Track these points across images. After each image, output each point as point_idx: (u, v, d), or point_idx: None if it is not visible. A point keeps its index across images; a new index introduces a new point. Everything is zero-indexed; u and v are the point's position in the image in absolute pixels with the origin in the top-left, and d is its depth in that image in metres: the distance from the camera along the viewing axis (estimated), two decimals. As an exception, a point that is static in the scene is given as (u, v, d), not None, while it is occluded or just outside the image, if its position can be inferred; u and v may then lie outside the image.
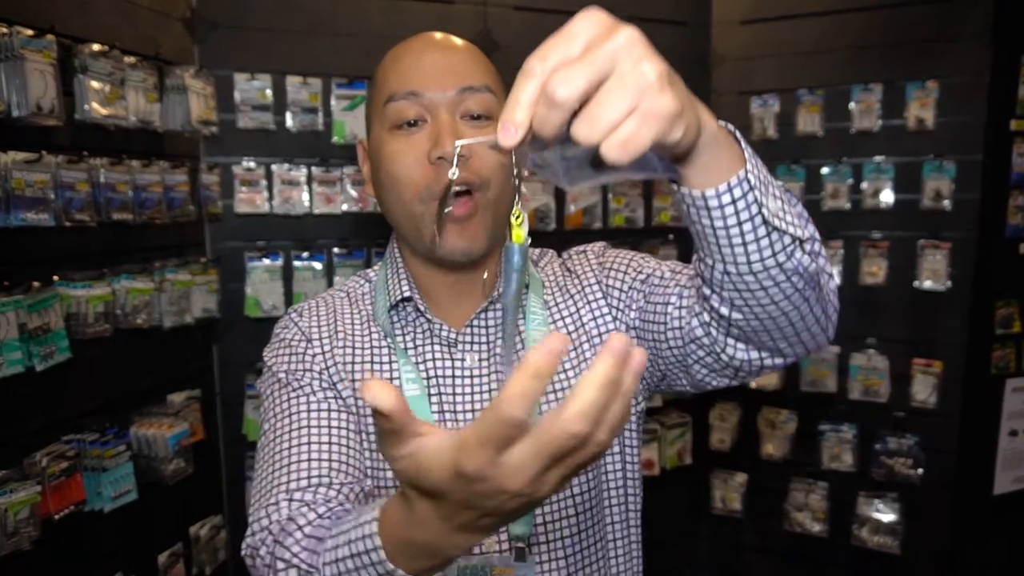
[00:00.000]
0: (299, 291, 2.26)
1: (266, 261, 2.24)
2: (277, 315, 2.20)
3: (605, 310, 0.94)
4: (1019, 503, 2.47)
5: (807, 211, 0.71)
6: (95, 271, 1.72)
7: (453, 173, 0.61)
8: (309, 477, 0.80)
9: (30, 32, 1.50)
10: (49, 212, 1.57)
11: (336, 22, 2.26)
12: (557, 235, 2.49)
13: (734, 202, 0.61)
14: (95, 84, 1.68)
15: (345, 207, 2.28)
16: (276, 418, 0.88)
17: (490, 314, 0.93)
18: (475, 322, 0.93)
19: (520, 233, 0.56)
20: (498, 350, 0.92)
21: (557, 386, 0.92)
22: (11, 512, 1.46)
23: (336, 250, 2.29)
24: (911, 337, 2.47)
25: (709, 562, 2.91)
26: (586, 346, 0.93)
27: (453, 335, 0.92)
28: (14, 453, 1.54)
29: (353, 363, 0.92)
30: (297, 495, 0.79)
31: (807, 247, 0.67)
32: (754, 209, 0.61)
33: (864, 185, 2.47)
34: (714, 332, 0.77)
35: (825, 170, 2.53)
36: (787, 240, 0.64)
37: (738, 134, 0.63)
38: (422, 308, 0.92)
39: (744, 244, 0.63)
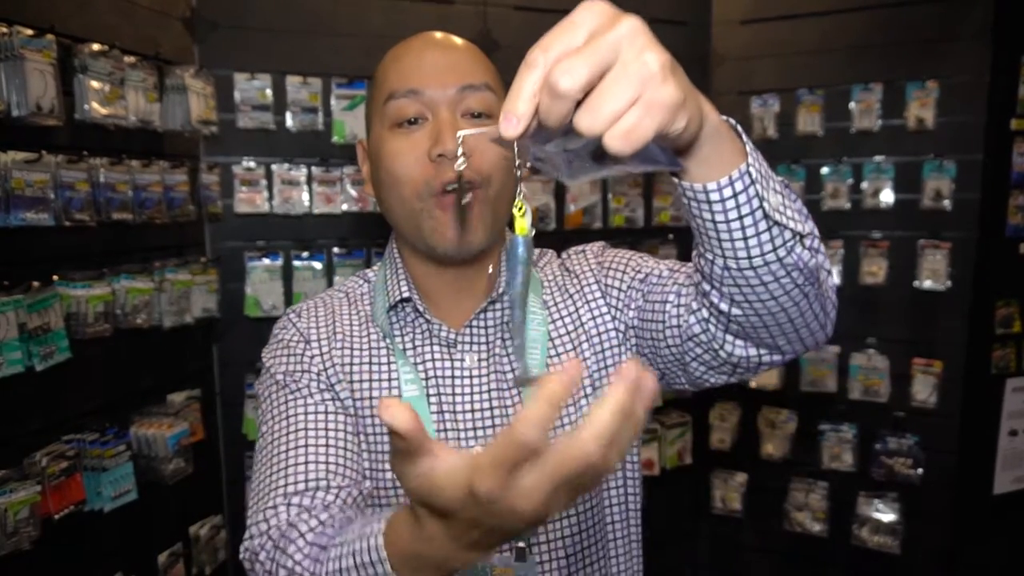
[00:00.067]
0: (299, 291, 2.26)
1: (266, 261, 2.24)
2: (277, 315, 2.20)
3: (604, 310, 0.94)
4: (1019, 503, 2.47)
5: (806, 210, 0.71)
6: (95, 271, 1.72)
7: (461, 164, 0.61)
8: (307, 480, 0.80)
9: (30, 32, 1.50)
10: (49, 212, 1.57)
11: (336, 22, 2.26)
12: (557, 235, 2.49)
13: (735, 195, 0.61)
14: (95, 84, 1.67)
15: (345, 207, 2.28)
16: (273, 420, 0.88)
17: (489, 314, 0.93)
18: (474, 322, 0.93)
19: (524, 224, 0.56)
20: (497, 350, 0.92)
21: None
22: (11, 512, 1.46)
23: (336, 250, 2.29)
24: (911, 337, 2.47)
25: (709, 562, 2.91)
26: (585, 346, 0.93)
27: (452, 335, 0.92)
28: (14, 453, 1.54)
29: (351, 364, 0.92)
30: (295, 499, 0.79)
31: (807, 242, 0.67)
32: (755, 203, 0.61)
33: (864, 185, 2.47)
34: (712, 329, 0.77)
35: (825, 170, 2.53)
36: (787, 235, 0.64)
37: (739, 128, 0.63)
38: (421, 309, 0.92)
39: (745, 238, 0.63)
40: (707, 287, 0.72)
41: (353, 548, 0.64)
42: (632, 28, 0.47)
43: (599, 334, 0.94)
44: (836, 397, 2.57)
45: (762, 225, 0.63)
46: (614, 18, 0.47)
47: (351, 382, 0.91)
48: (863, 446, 2.52)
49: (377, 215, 2.25)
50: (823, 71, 2.52)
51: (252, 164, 2.22)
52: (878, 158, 2.46)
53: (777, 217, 0.63)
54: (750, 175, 0.61)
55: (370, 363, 0.92)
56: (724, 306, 0.72)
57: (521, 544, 0.88)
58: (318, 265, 2.27)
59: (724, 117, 0.61)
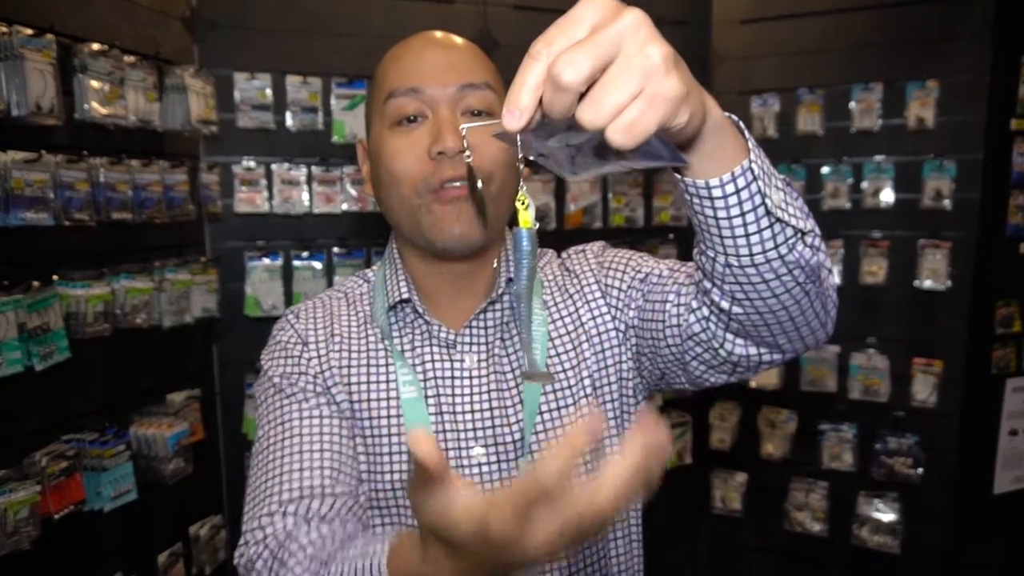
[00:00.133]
0: (299, 291, 2.26)
1: (266, 261, 2.24)
2: (277, 315, 2.20)
3: (604, 309, 0.94)
4: (1019, 503, 2.47)
5: (807, 208, 0.71)
6: (94, 271, 1.72)
7: (468, 156, 0.61)
8: (301, 488, 0.80)
9: (30, 31, 1.50)
10: (48, 211, 1.56)
11: (336, 22, 2.26)
12: (557, 234, 2.49)
13: (737, 192, 0.61)
14: (95, 83, 1.67)
15: (345, 207, 2.27)
16: (269, 425, 0.88)
17: (489, 314, 0.93)
18: (474, 322, 0.92)
19: (527, 218, 0.55)
20: (497, 350, 0.92)
21: (556, 385, 0.91)
22: (11, 512, 1.46)
23: (336, 250, 2.29)
24: (911, 337, 2.47)
25: (709, 562, 2.91)
26: (585, 346, 0.93)
27: (452, 336, 0.92)
28: (14, 453, 1.54)
29: (349, 367, 0.92)
30: (291, 507, 0.79)
31: (808, 240, 0.67)
32: (757, 200, 0.61)
33: (864, 184, 2.47)
34: (713, 327, 0.77)
35: (825, 169, 2.52)
36: (789, 232, 0.64)
37: (741, 124, 0.63)
38: (420, 310, 0.92)
39: (746, 235, 0.63)
40: (708, 285, 0.72)
41: (355, 566, 0.65)
42: (635, 21, 0.46)
43: (599, 334, 0.93)
44: (836, 397, 2.57)
45: (764, 222, 0.62)
46: (617, 11, 0.47)
47: (349, 384, 0.91)
48: (863, 446, 2.52)
49: (377, 215, 2.24)
50: (823, 71, 2.51)
51: (252, 164, 2.22)
52: (878, 158, 2.46)
53: (779, 214, 0.62)
54: (752, 171, 0.60)
55: (367, 365, 0.92)
56: (725, 304, 0.72)
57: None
58: (318, 265, 2.27)
59: (726, 113, 0.61)
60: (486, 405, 0.90)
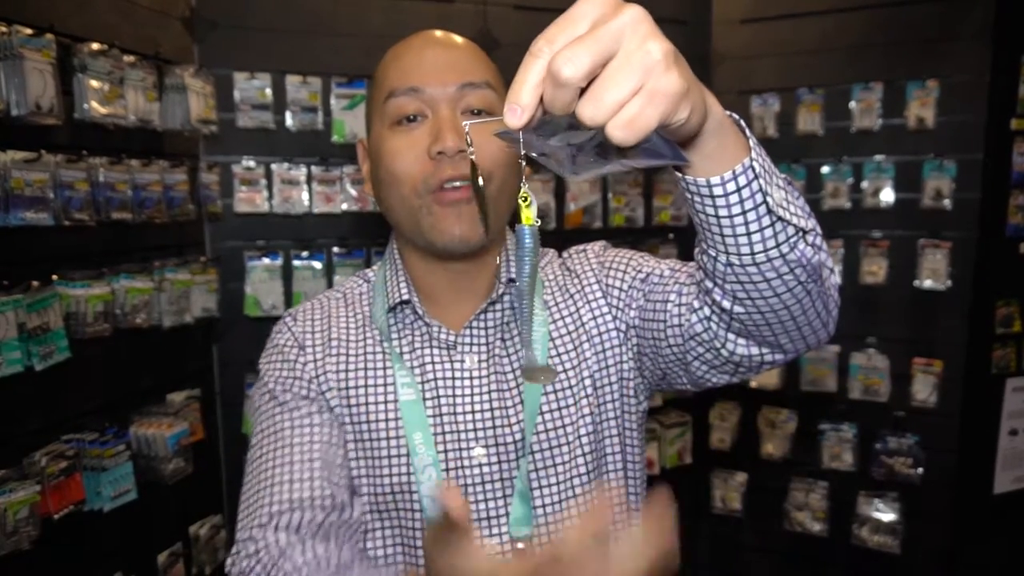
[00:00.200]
0: (299, 290, 2.26)
1: (266, 260, 2.24)
2: (277, 314, 2.20)
3: (605, 309, 0.94)
4: (1019, 503, 2.47)
5: (809, 207, 0.71)
6: (94, 270, 1.72)
7: (471, 153, 0.61)
8: (291, 499, 0.82)
9: (29, 31, 1.50)
10: (48, 211, 1.56)
11: (336, 21, 2.26)
12: (557, 234, 2.49)
13: (739, 190, 0.60)
14: (94, 83, 1.67)
15: (345, 206, 2.27)
16: (263, 433, 0.89)
17: (490, 314, 0.93)
18: (475, 323, 0.92)
19: (530, 215, 0.55)
20: (497, 351, 0.92)
21: (557, 385, 0.91)
22: (10, 512, 1.46)
23: (336, 249, 2.29)
24: (911, 336, 2.47)
25: (709, 562, 2.91)
26: (586, 346, 0.93)
27: (452, 338, 0.92)
28: (13, 453, 1.54)
29: (347, 370, 0.92)
30: (283, 519, 0.80)
31: (809, 238, 0.66)
32: (759, 198, 0.61)
33: (864, 184, 2.47)
34: (714, 327, 0.76)
35: (825, 169, 2.52)
36: (791, 230, 0.64)
37: (742, 123, 0.62)
38: (420, 312, 0.92)
39: (748, 233, 0.63)
40: (709, 284, 0.72)
41: None
42: (634, 17, 0.46)
43: (600, 334, 0.93)
44: (836, 397, 2.57)
45: (765, 220, 0.62)
46: (616, 7, 0.47)
47: (347, 388, 0.91)
48: (863, 446, 2.52)
49: (377, 215, 2.24)
50: (823, 70, 2.51)
51: (252, 163, 2.21)
52: (878, 157, 2.46)
53: (780, 212, 0.62)
54: (753, 169, 0.60)
55: (365, 368, 0.92)
56: (726, 303, 0.72)
57: (521, 546, 0.88)
58: (318, 265, 2.27)
59: (728, 112, 0.61)
60: (487, 405, 0.90)
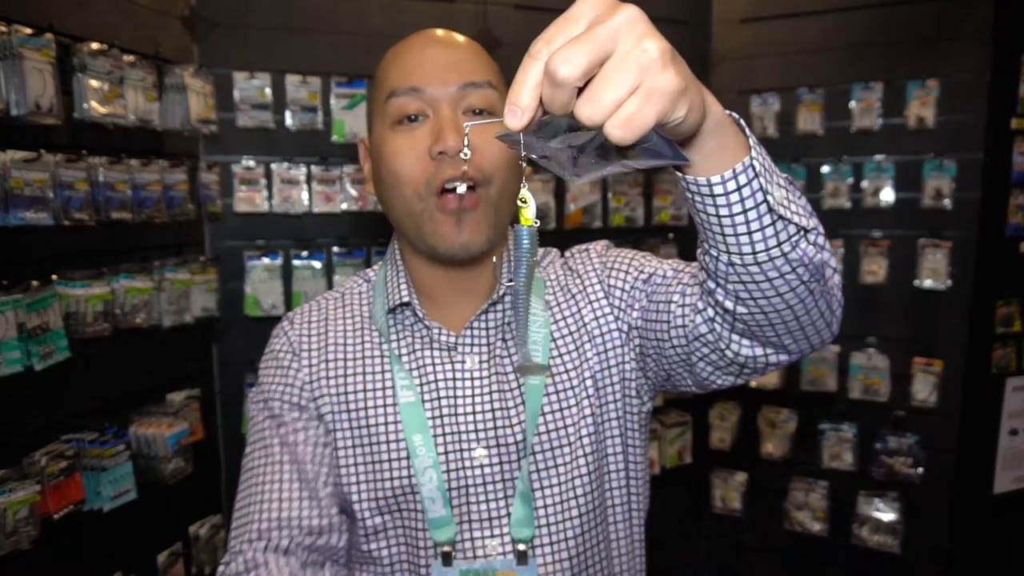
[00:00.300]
0: (298, 290, 2.26)
1: (265, 260, 2.24)
2: (277, 314, 2.20)
3: (607, 310, 0.94)
4: (1019, 502, 2.47)
5: (811, 206, 0.71)
6: (94, 270, 1.72)
7: (465, 154, 0.61)
8: (280, 519, 0.85)
9: (29, 30, 1.50)
10: (48, 211, 1.56)
11: (336, 20, 2.26)
12: (557, 234, 2.49)
13: (739, 189, 0.60)
14: (94, 83, 1.67)
15: (345, 206, 2.27)
16: (255, 445, 0.91)
17: (491, 315, 0.93)
18: (475, 324, 0.92)
19: (528, 216, 0.55)
20: (498, 351, 0.92)
21: (558, 385, 0.91)
22: (10, 511, 1.46)
23: (336, 249, 2.29)
24: (911, 336, 2.47)
25: (709, 562, 2.91)
26: (587, 346, 0.93)
27: (452, 339, 0.92)
28: (13, 452, 1.53)
29: (346, 375, 0.92)
30: (273, 536, 0.84)
31: (811, 237, 0.66)
32: (759, 197, 0.61)
33: (864, 184, 2.47)
34: (718, 328, 0.76)
35: (825, 169, 2.52)
36: (792, 229, 0.64)
37: (742, 122, 0.62)
38: (420, 315, 0.92)
39: (749, 233, 0.63)
40: (712, 285, 0.72)
41: None
42: (630, 17, 0.47)
43: (602, 334, 0.93)
44: (836, 396, 2.57)
45: (766, 219, 0.62)
46: (613, 8, 0.47)
47: (345, 392, 0.91)
48: (863, 445, 2.52)
49: (377, 214, 2.24)
50: (823, 70, 2.51)
51: (251, 163, 2.21)
52: (878, 157, 2.45)
53: (781, 211, 0.62)
54: (754, 168, 0.60)
55: (364, 372, 0.92)
56: (729, 304, 0.71)
57: (523, 547, 0.88)
58: (318, 264, 2.27)
59: (727, 111, 0.61)
60: (488, 406, 0.90)
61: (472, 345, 0.92)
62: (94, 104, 1.67)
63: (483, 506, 0.88)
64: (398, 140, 0.86)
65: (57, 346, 1.58)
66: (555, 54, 0.46)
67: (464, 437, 0.89)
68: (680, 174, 0.62)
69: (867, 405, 2.50)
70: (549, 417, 0.90)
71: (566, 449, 0.90)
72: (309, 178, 2.25)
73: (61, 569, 1.66)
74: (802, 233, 0.65)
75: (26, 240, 1.58)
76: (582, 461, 0.90)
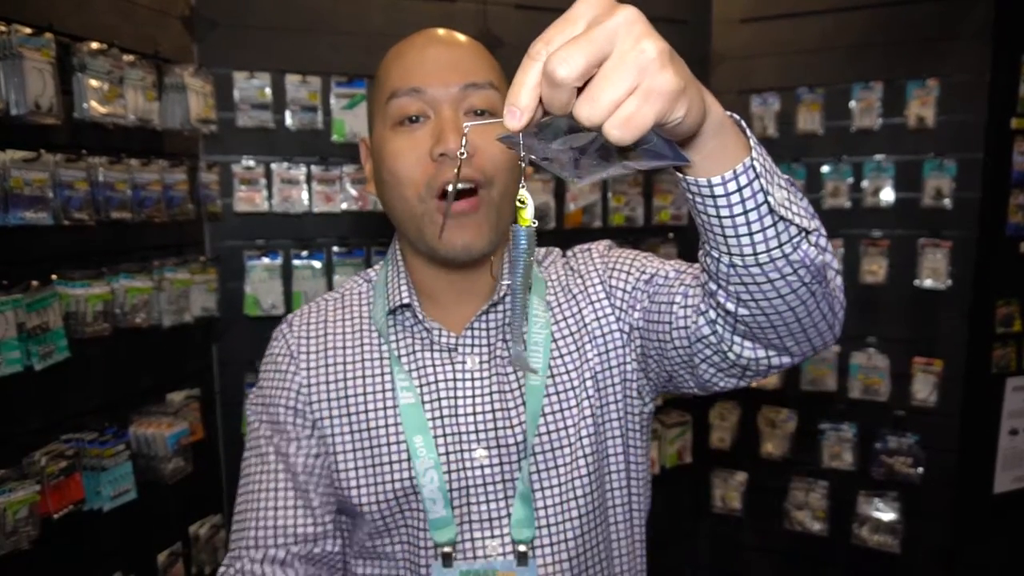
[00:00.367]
0: (298, 290, 2.26)
1: (265, 260, 2.24)
2: (276, 314, 2.20)
3: (608, 310, 0.94)
4: (1019, 502, 2.47)
5: (812, 207, 0.71)
6: (94, 270, 1.72)
7: (462, 154, 0.61)
8: (276, 527, 0.88)
9: (28, 30, 1.50)
10: (48, 211, 1.56)
11: (336, 20, 2.26)
12: (557, 234, 2.48)
13: (740, 190, 0.60)
14: (94, 82, 1.67)
15: (345, 206, 2.27)
16: (252, 451, 0.93)
17: (491, 315, 0.93)
18: (476, 324, 0.92)
19: (526, 216, 0.55)
20: (499, 352, 0.92)
21: (559, 386, 0.91)
22: (10, 511, 1.46)
23: (335, 249, 2.29)
24: (911, 336, 2.47)
25: (709, 561, 2.91)
26: (588, 346, 0.93)
27: (453, 340, 0.91)
28: (13, 452, 1.53)
29: (345, 378, 0.92)
30: (270, 544, 0.87)
31: (812, 239, 0.66)
32: (760, 198, 0.61)
33: (864, 183, 2.47)
34: (720, 330, 0.76)
35: (825, 168, 2.52)
36: (793, 231, 0.64)
37: (743, 123, 0.62)
38: (420, 316, 0.91)
39: (750, 234, 0.63)
40: (713, 286, 0.71)
41: None
42: (628, 17, 0.47)
43: (603, 334, 0.93)
44: (836, 396, 2.57)
45: (767, 220, 0.62)
46: (611, 8, 0.47)
47: (346, 395, 0.91)
48: (863, 445, 2.52)
49: (377, 214, 2.24)
50: (823, 70, 2.51)
51: (251, 163, 2.21)
52: (878, 157, 2.45)
53: (782, 212, 0.62)
54: (754, 169, 0.60)
55: (363, 375, 0.92)
56: (731, 306, 0.71)
57: (523, 548, 0.88)
58: (317, 264, 2.27)
59: (728, 112, 0.61)
60: (488, 407, 0.90)
61: (472, 346, 0.92)
62: (94, 104, 1.67)
63: (483, 507, 0.88)
64: (399, 141, 0.86)
65: (57, 346, 1.58)
66: (553, 55, 0.46)
67: (464, 438, 0.89)
68: (681, 175, 0.62)
69: (867, 405, 2.50)
70: (550, 418, 0.90)
71: (566, 450, 0.90)
72: (309, 178, 2.24)
73: (61, 569, 1.66)
74: (803, 234, 0.65)
75: (26, 240, 1.58)
76: (582, 462, 0.90)
